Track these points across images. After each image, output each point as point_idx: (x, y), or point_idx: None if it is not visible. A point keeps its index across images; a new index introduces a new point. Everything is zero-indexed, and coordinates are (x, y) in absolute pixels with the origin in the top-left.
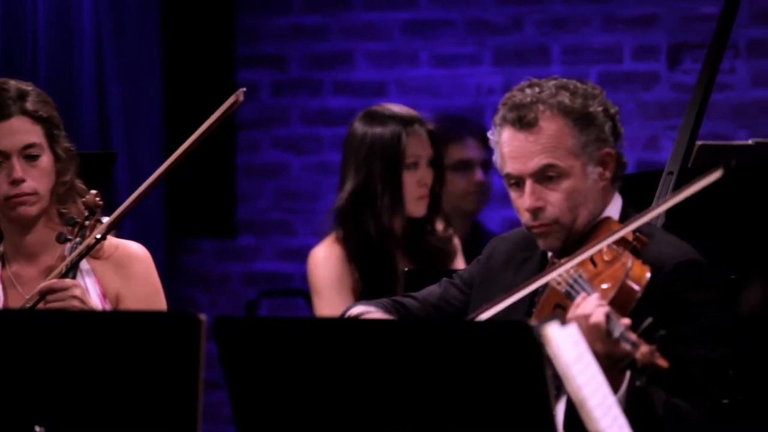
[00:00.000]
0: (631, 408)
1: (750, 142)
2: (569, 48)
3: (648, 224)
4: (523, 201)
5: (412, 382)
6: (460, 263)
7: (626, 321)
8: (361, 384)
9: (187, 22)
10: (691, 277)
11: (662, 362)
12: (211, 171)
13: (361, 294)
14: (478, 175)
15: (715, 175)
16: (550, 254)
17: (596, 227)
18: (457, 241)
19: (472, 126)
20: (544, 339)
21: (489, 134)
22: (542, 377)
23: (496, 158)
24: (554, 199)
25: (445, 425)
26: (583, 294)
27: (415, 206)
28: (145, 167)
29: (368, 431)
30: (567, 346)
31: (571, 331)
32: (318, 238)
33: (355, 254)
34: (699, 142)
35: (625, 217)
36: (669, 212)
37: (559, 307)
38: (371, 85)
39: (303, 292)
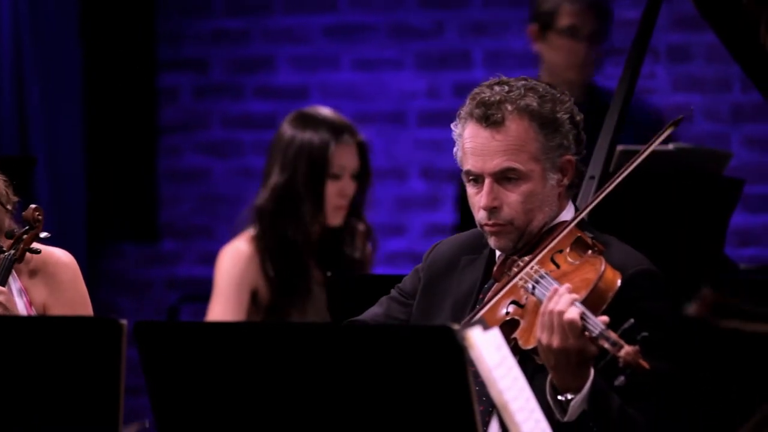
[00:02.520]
0: (590, 409)
1: (670, 147)
2: (491, 53)
3: (602, 234)
4: (479, 199)
5: (336, 388)
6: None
7: (604, 318)
8: (284, 389)
9: (108, 24)
10: (646, 287)
11: (645, 364)
12: (132, 175)
13: (267, 296)
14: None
15: (668, 132)
16: (498, 254)
17: (551, 231)
18: (369, 250)
19: None
20: (467, 343)
21: (452, 126)
22: (465, 381)
23: (456, 151)
24: (511, 200)
25: (369, 430)
26: (553, 287)
27: (333, 215)
28: (65, 169)
29: None
30: (489, 350)
31: (493, 335)
32: None
33: (268, 254)
34: (620, 147)
35: (579, 224)
36: (592, 217)
37: (515, 303)
38: (293, 90)
39: None
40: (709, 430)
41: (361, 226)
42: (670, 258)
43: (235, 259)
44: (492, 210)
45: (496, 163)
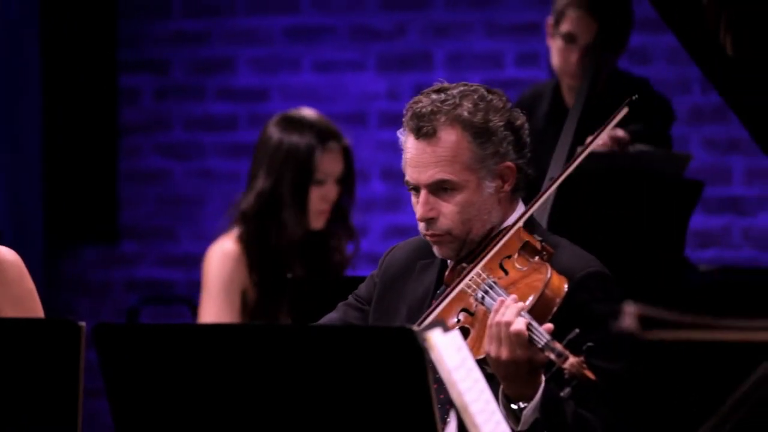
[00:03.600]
0: (544, 416)
1: (638, 150)
2: (452, 54)
3: (551, 235)
4: (417, 209)
5: (297, 389)
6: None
7: (549, 327)
8: (245, 391)
9: (68, 25)
10: (597, 289)
11: (590, 375)
12: (92, 176)
13: (253, 297)
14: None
15: (622, 113)
16: (449, 261)
17: (500, 235)
18: (350, 254)
19: None
20: (427, 345)
21: (398, 133)
22: (425, 383)
23: (402, 160)
24: (447, 210)
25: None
26: (500, 299)
27: (315, 220)
28: (24, 170)
29: None
30: (450, 352)
31: (453, 337)
32: (202, 243)
33: (253, 256)
34: (580, 149)
35: (528, 225)
36: (551, 219)
37: (465, 311)
38: (254, 91)
39: (186, 299)
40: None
41: (344, 229)
42: (630, 260)
43: (223, 258)
44: (429, 220)
45: (429, 174)
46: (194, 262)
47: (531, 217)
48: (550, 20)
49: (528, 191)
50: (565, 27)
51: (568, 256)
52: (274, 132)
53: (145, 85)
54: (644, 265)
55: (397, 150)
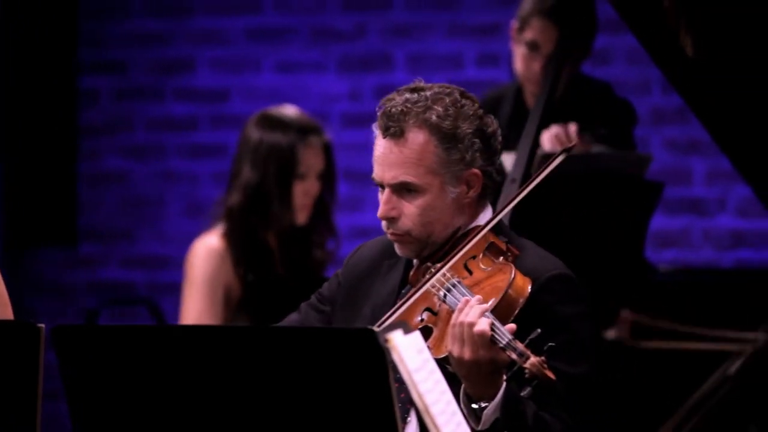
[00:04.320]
0: (504, 417)
1: (593, 151)
2: (413, 55)
3: (518, 237)
4: (379, 207)
5: (258, 391)
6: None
7: (511, 327)
8: (205, 392)
9: (28, 26)
10: (561, 291)
11: (551, 374)
12: (51, 178)
13: (238, 293)
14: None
15: (559, 159)
16: (415, 260)
17: (466, 237)
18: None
19: None
20: (388, 346)
21: (373, 128)
22: (387, 384)
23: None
24: (408, 212)
25: None
26: (464, 299)
27: (298, 214)
28: None
29: None
30: (411, 353)
31: (415, 338)
32: (162, 245)
33: (238, 253)
34: (540, 151)
35: (496, 227)
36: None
37: (429, 311)
38: (214, 92)
39: (146, 300)
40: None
41: (325, 226)
42: (590, 260)
43: (207, 254)
44: (389, 219)
45: (393, 175)
46: (155, 264)
47: (500, 221)
48: (514, 25)
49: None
50: (529, 35)
51: (533, 258)
52: (254, 131)
53: (105, 86)
54: (605, 266)
55: (358, 150)
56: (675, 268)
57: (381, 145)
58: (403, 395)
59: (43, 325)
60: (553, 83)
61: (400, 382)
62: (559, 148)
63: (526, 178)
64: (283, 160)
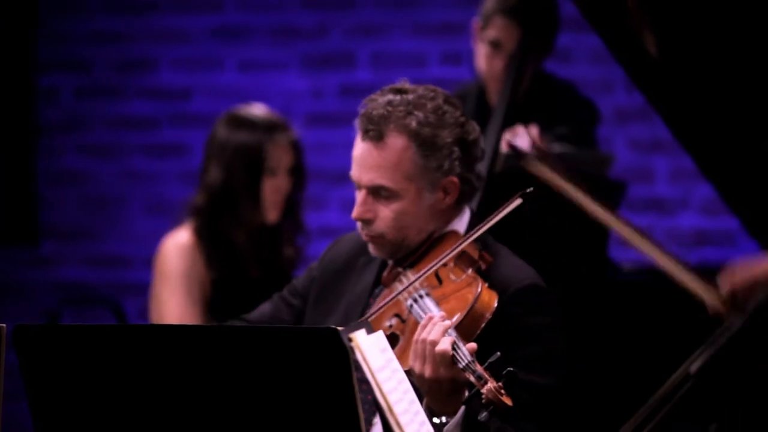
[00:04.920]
0: None
1: (558, 150)
2: (376, 54)
3: (494, 242)
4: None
5: (222, 390)
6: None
7: (472, 346)
8: (168, 391)
9: None
10: (531, 302)
11: (507, 401)
12: (11, 177)
13: (209, 292)
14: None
15: (515, 203)
16: (390, 261)
17: (440, 241)
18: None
19: None
20: (352, 345)
21: (355, 123)
22: (350, 383)
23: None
24: (383, 215)
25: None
26: (428, 315)
27: (269, 212)
28: None
29: None
30: (374, 352)
31: (378, 337)
32: (124, 244)
33: (208, 251)
34: (504, 152)
35: (472, 229)
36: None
37: (398, 317)
38: (177, 91)
39: (108, 299)
40: None
41: (295, 223)
42: (553, 260)
43: (179, 250)
44: (364, 221)
45: (370, 178)
46: (117, 263)
47: (475, 223)
48: (477, 23)
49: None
50: (491, 33)
51: (506, 268)
52: (222, 130)
53: (66, 84)
54: (568, 265)
55: (322, 150)
56: (638, 267)
57: (359, 146)
58: (370, 397)
59: (4, 325)
60: (515, 82)
61: (367, 383)
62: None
63: (489, 177)
64: (251, 158)
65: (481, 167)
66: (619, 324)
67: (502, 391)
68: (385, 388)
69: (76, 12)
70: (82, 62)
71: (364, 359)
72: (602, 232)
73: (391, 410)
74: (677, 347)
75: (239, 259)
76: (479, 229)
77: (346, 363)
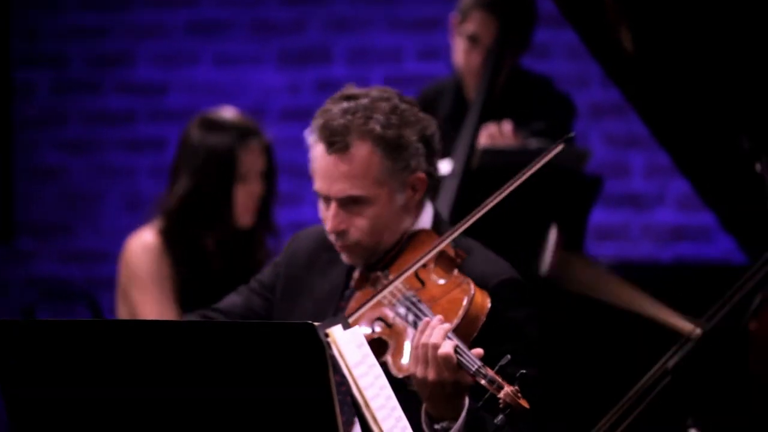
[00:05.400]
0: None
1: (535, 145)
2: (353, 49)
3: (464, 239)
4: (327, 220)
5: (197, 385)
6: None
7: (478, 352)
8: (144, 387)
9: None
10: (510, 297)
11: (524, 404)
12: None
13: (176, 293)
14: None
15: (558, 149)
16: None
17: (411, 240)
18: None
19: None
20: (329, 341)
21: (306, 134)
22: (327, 379)
23: (310, 163)
24: (358, 224)
25: (226, 428)
26: (425, 320)
27: (243, 217)
28: None
29: None
30: (351, 347)
31: (355, 333)
32: (100, 239)
33: (174, 251)
34: (482, 146)
35: (437, 226)
36: (453, 216)
37: (383, 321)
38: (153, 85)
39: (84, 295)
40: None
41: (267, 225)
42: (530, 255)
43: (146, 250)
44: (339, 233)
45: (340, 189)
46: (93, 259)
47: (440, 220)
48: (455, 18)
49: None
50: (469, 27)
51: (481, 262)
52: (194, 134)
53: (42, 80)
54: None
55: (298, 145)
56: (615, 263)
57: (323, 159)
58: (348, 398)
59: None
60: (492, 76)
61: (347, 384)
62: (494, 144)
63: (466, 172)
64: (223, 163)
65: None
66: (597, 320)
67: (519, 395)
68: (362, 383)
69: (51, 7)
70: (57, 57)
71: (341, 354)
72: (578, 227)
73: (367, 406)
74: (655, 343)
75: (208, 263)
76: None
77: (322, 358)
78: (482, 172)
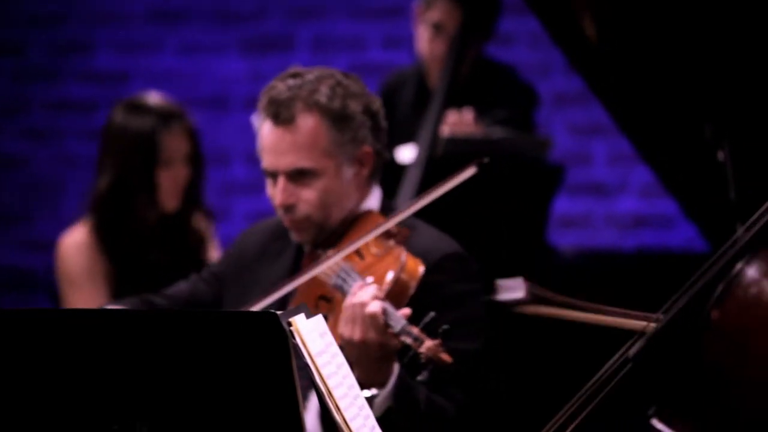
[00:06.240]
0: (396, 404)
1: (498, 134)
2: (316, 37)
3: (411, 218)
4: (275, 195)
5: (156, 374)
6: (214, 250)
7: (405, 312)
8: (104, 376)
9: None
10: (453, 270)
11: (446, 357)
12: None
13: (113, 286)
14: None
15: (470, 172)
16: (307, 247)
17: (357, 220)
18: (211, 228)
19: None
20: (291, 329)
21: (252, 118)
22: (289, 368)
23: (258, 146)
24: (306, 197)
25: (189, 419)
26: (359, 283)
27: (168, 202)
28: None
29: (105, 426)
30: (313, 336)
31: (317, 321)
32: (61, 229)
33: (108, 245)
34: (446, 134)
35: (385, 209)
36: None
37: (324, 299)
38: (114, 74)
39: (44, 285)
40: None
41: (198, 209)
42: (492, 243)
43: (77, 249)
44: (287, 207)
45: (288, 162)
46: (54, 248)
47: (389, 204)
48: (419, 6)
49: (385, 173)
50: (433, 16)
51: (425, 238)
52: (117, 118)
53: (1, 68)
54: (506, 249)
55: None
56: (577, 251)
57: (271, 133)
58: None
59: None
60: (456, 65)
61: (300, 367)
62: (458, 132)
63: (430, 160)
64: (145, 147)
65: (401, 154)
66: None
67: (441, 348)
68: (325, 372)
69: None
70: (17, 45)
71: (303, 343)
72: (540, 216)
73: (330, 394)
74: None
75: (141, 249)
76: (424, 198)
77: (285, 347)
78: (446, 161)
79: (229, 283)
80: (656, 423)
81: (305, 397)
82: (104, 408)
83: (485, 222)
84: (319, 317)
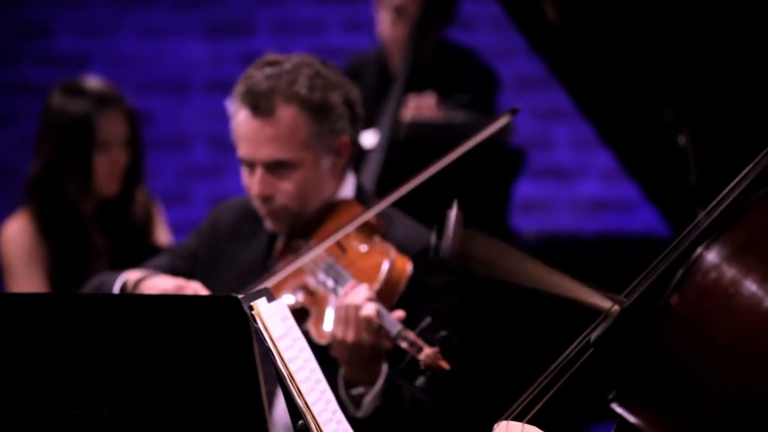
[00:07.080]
0: (385, 403)
1: (460, 118)
2: (276, 21)
3: (386, 208)
4: (252, 186)
5: (116, 358)
6: (162, 233)
7: (399, 314)
8: (65, 362)
9: None
10: (430, 263)
11: (445, 365)
12: None
13: (55, 272)
14: None
15: (504, 120)
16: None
17: (334, 209)
18: (157, 212)
19: None
20: (253, 313)
21: (227, 104)
22: (250, 352)
23: (232, 132)
24: (284, 188)
25: (151, 403)
26: (350, 283)
27: (107, 185)
28: None
29: (66, 411)
30: (275, 320)
31: (279, 305)
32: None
33: (47, 231)
34: (408, 119)
35: (361, 196)
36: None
37: (304, 290)
38: (74, 57)
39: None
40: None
41: (139, 192)
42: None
43: (16, 238)
44: (265, 198)
45: (266, 153)
46: None
47: (364, 191)
48: None
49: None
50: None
51: (403, 230)
52: (55, 102)
53: None
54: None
55: (221, 117)
56: (538, 235)
57: (249, 124)
58: (272, 369)
59: None
60: (417, 48)
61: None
62: (420, 116)
63: (392, 144)
64: (81, 131)
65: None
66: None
67: (439, 356)
68: (286, 356)
69: None
70: None
71: (265, 327)
72: (501, 199)
73: (292, 379)
74: (578, 316)
75: (81, 234)
76: (413, 179)
77: (246, 331)
78: (408, 145)
79: (202, 259)
80: (616, 407)
81: (275, 387)
82: (65, 393)
83: (446, 206)
84: (281, 301)
